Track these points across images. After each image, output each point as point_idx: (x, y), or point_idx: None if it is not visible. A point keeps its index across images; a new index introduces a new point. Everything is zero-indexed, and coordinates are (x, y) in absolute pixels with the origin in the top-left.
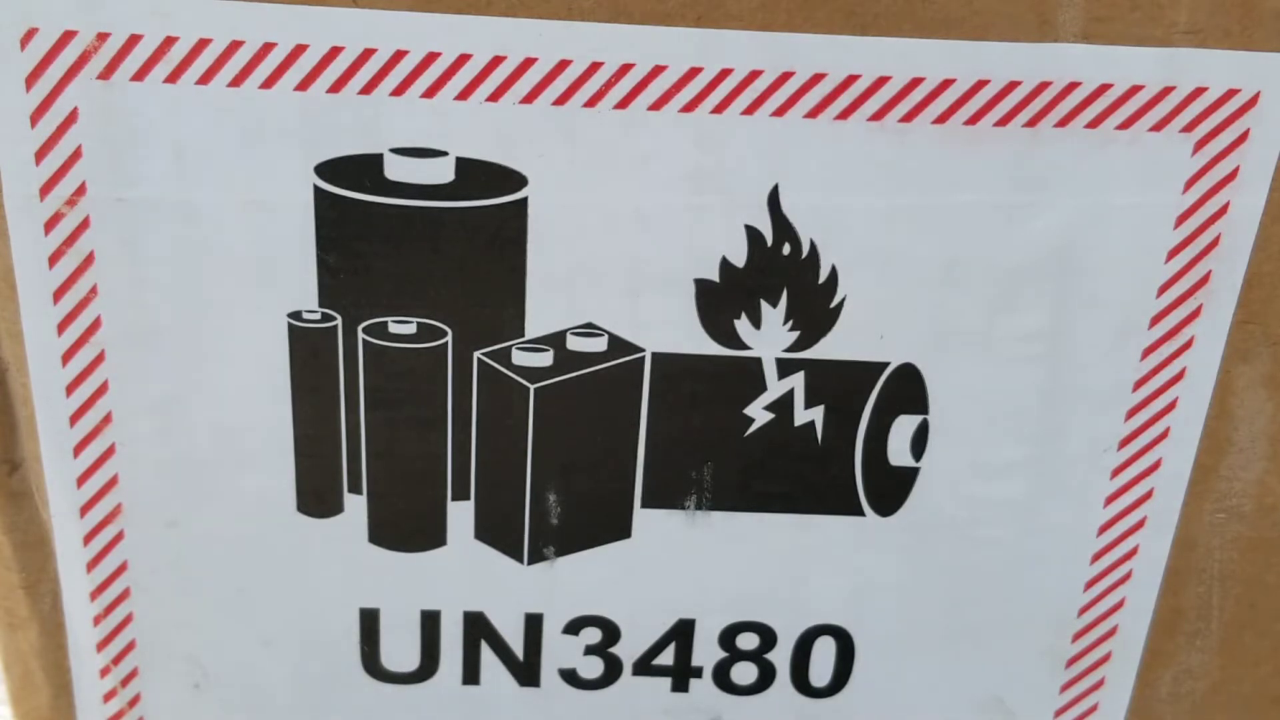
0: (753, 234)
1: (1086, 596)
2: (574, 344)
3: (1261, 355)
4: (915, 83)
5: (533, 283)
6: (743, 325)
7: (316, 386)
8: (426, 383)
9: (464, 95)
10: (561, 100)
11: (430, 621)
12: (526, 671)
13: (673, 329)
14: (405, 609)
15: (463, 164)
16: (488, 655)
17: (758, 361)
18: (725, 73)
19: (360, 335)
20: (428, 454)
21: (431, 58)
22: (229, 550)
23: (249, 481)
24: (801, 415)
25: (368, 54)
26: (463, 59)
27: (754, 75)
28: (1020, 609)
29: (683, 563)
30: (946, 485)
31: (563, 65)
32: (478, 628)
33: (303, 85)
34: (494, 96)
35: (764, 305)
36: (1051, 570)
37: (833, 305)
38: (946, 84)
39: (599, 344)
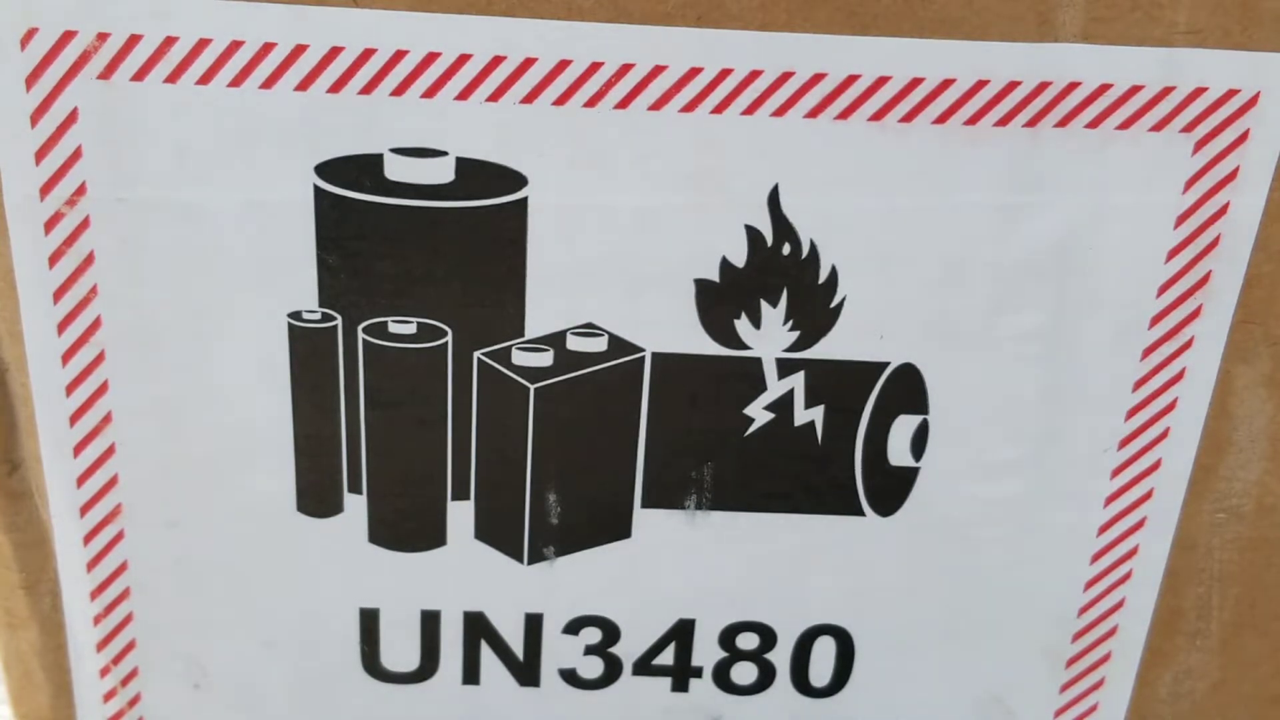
0: (753, 234)
1: (1086, 596)
2: (574, 344)
3: (1261, 355)
4: (915, 83)
5: (532, 283)
6: (743, 325)
7: (316, 386)
8: (426, 383)
9: (464, 95)
10: (561, 100)
11: (430, 621)
12: (526, 671)
13: (673, 329)
14: (405, 609)
15: (463, 164)
16: (488, 655)
17: (758, 361)
18: (725, 73)
19: (360, 335)
20: (428, 454)
21: (431, 58)
22: (229, 550)
23: (249, 481)
24: (801, 415)
25: (368, 54)
26: (463, 59)
27: (754, 75)
28: (1020, 609)
29: (683, 563)
30: (946, 485)
31: (563, 65)
32: (478, 628)
33: (303, 85)
34: (494, 96)
35: (764, 305)
36: (1051, 570)
37: (833, 305)
38: (946, 84)
39: (599, 344)
